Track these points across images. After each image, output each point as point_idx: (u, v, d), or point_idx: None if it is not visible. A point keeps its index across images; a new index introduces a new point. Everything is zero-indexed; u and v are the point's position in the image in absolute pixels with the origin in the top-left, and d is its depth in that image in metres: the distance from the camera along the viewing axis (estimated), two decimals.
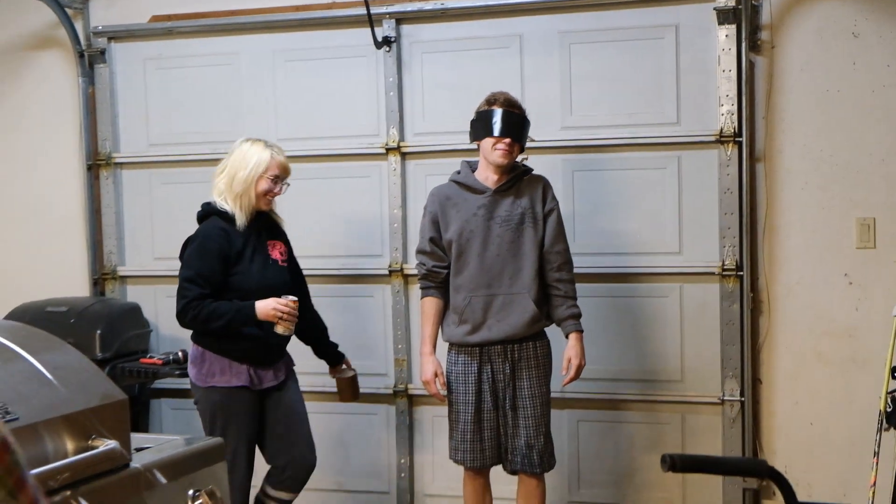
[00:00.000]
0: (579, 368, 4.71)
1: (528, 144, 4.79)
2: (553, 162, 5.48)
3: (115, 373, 5.50)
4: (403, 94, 5.78)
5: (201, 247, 4.47)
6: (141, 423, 5.94)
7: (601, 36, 5.52)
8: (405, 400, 5.84)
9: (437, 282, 4.78)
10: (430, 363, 4.76)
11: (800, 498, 2.29)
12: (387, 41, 5.71)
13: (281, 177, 4.57)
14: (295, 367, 4.82)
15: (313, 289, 5.01)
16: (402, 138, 5.77)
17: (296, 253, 4.88)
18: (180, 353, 5.50)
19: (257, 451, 4.71)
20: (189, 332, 4.65)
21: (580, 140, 5.54)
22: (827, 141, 5.28)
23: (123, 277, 6.29)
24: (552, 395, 4.83)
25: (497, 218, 4.67)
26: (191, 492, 2.57)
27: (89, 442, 2.33)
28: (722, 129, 5.29)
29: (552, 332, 4.82)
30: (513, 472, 4.79)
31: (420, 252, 4.83)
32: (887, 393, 4.91)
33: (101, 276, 6.28)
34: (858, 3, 5.22)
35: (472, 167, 4.79)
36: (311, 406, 4.90)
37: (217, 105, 6.08)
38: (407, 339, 5.82)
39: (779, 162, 5.35)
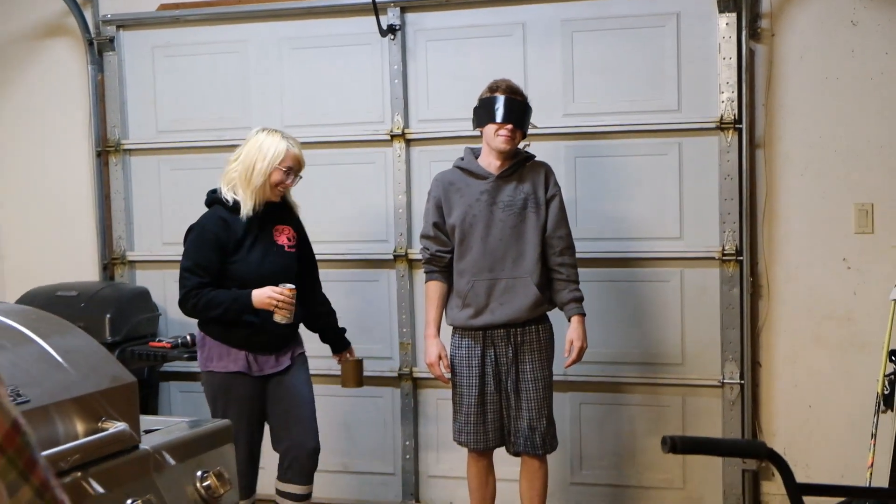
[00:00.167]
0: (581, 351, 4.75)
1: (531, 131, 4.84)
2: (556, 148, 5.52)
3: (125, 356, 5.52)
4: (408, 81, 5.82)
5: (198, 237, 4.51)
6: (150, 405, 5.95)
7: (603, 24, 5.55)
8: (410, 383, 5.88)
9: (440, 266, 4.82)
10: (434, 346, 4.80)
11: (798, 479, 2.29)
12: (391, 29, 5.74)
13: (294, 169, 4.55)
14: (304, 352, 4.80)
15: (319, 273, 4.99)
16: (406, 125, 5.81)
17: None
18: (188, 337, 5.53)
19: (266, 443, 4.73)
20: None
21: (582, 127, 5.57)
22: (826, 127, 5.32)
23: (132, 262, 6.33)
24: (554, 377, 4.86)
25: (500, 203, 4.70)
26: (199, 473, 2.58)
27: (99, 424, 2.34)
28: (722, 116, 5.33)
29: (555, 315, 4.86)
30: (516, 454, 4.83)
31: (424, 237, 4.87)
32: (885, 375, 4.96)
33: (111, 260, 6.33)
34: None
35: (476, 153, 4.83)
36: (317, 389, 4.87)
37: (224, 92, 6.11)
38: (411, 322, 5.85)
39: (778, 148, 5.39)
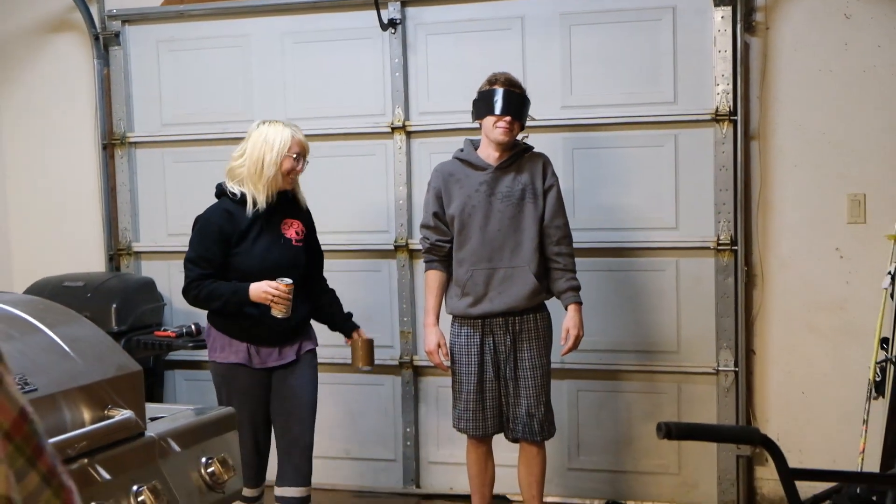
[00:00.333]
0: (577, 339, 4.79)
1: (530, 123, 4.88)
2: (553, 140, 5.58)
3: (130, 345, 5.56)
4: (408, 74, 5.87)
5: (202, 229, 4.54)
6: (155, 393, 5.98)
7: (600, 18, 5.60)
8: (410, 371, 5.95)
9: (440, 255, 4.87)
10: (434, 334, 4.85)
11: (791, 464, 2.33)
12: (392, 23, 5.79)
13: (302, 154, 4.55)
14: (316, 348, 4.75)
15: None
16: (407, 117, 5.87)
17: None
18: (193, 326, 5.61)
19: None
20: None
21: (580, 119, 5.64)
22: (819, 119, 5.37)
23: (138, 253, 6.40)
24: (552, 365, 4.91)
25: (498, 194, 4.75)
26: (203, 459, 2.62)
27: (105, 412, 2.38)
28: (717, 108, 5.40)
29: (552, 304, 4.90)
30: (514, 441, 4.89)
31: (424, 226, 4.91)
32: (876, 363, 5.03)
33: (117, 251, 6.39)
34: None
35: (475, 145, 4.87)
36: (320, 377, 4.77)
37: (228, 86, 6.17)
38: (412, 312, 5.92)
39: (773, 140, 5.44)
